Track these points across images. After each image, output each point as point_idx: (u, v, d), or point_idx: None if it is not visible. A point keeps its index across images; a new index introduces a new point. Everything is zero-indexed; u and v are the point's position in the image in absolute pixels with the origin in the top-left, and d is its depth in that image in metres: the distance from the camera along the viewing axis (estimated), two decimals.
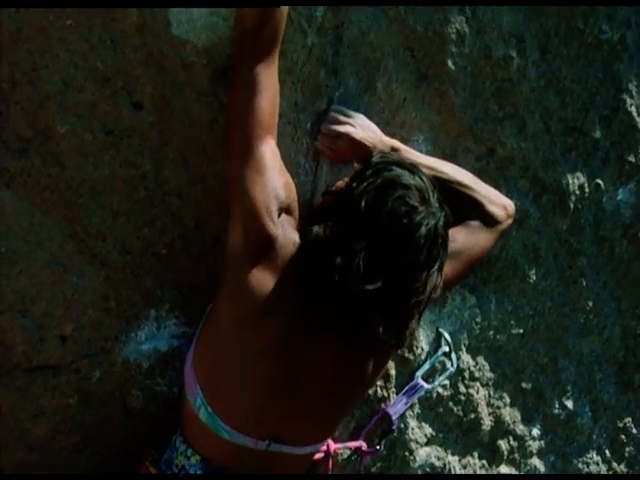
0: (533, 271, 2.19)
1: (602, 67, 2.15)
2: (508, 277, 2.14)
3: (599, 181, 2.25)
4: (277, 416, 1.61)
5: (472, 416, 2.13)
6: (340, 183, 1.66)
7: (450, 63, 1.90)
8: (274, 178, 1.57)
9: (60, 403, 1.66)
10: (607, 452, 2.44)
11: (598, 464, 2.42)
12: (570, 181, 2.19)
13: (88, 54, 1.57)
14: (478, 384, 2.13)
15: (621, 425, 2.43)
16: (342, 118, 1.72)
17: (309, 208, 1.73)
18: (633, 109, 2.22)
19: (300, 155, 1.75)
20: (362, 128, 1.72)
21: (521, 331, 2.20)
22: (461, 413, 2.10)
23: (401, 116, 1.86)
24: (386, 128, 1.81)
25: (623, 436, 2.45)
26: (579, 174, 2.21)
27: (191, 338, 1.70)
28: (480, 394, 2.14)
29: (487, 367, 2.14)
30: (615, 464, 2.46)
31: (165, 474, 1.67)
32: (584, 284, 2.30)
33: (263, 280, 1.54)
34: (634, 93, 2.21)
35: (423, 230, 1.49)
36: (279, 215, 1.57)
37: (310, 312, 1.55)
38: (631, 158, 2.28)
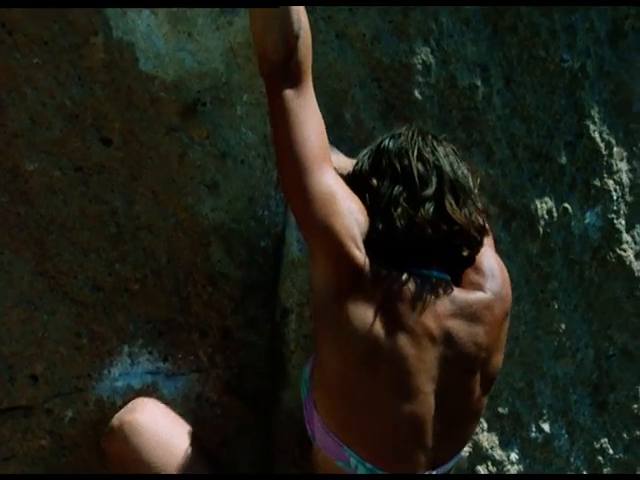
0: None
1: (565, 94, 2.16)
2: None
3: (567, 205, 2.25)
4: (426, 445, 1.53)
5: None
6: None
7: (417, 93, 1.89)
8: (348, 204, 1.49)
9: (32, 445, 1.60)
10: (585, 474, 2.42)
11: None
12: (539, 206, 2.19)
13: (56, 91, 1.55)
14: None
15: (598, 446, 2.41)
16: None
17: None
18: (596, 135, 2.23)
19: (271, 187, 1.73)
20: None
21: None
22: None
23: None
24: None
25: (600, 457, 2.42)
26: (547, 199, 2.21)
27: (166, 373, 1.66)
28: None
29: None
30: None
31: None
32: (556, 307, 2.29)
33: (368, 311, 1.46)
34: (596, 119, 2.22)
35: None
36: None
37: (422, 307, 1.49)
38: (596, 182, 2.28)
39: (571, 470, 2.38)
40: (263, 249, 1.74)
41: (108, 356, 1.65)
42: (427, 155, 1.54)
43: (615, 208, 2.33)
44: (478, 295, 1.58)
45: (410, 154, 1.53)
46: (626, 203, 2.36)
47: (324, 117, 1.76)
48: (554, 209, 2.22)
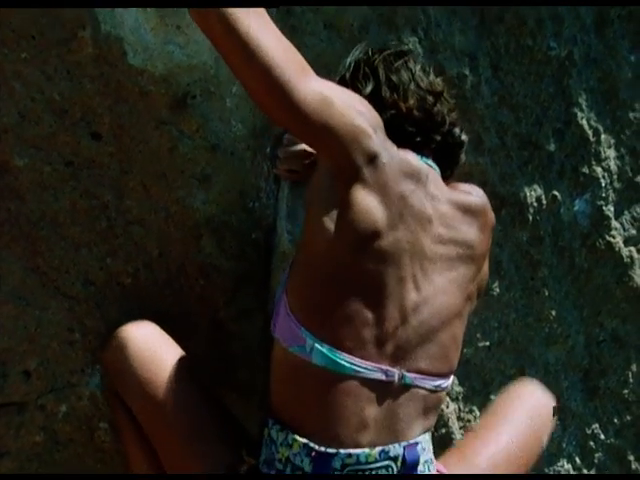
0: (496, 284, 2.17)
1: (552, 82, 2.15)
2: None
3: (556, 193, 2.25)
4: (405, 340, 1.42)
5: (443, 431, 2.09)
6: None
7: None
8: (345, 100, 1.41)
9: (26, 441, 1.58)
10: (577, 459, 2.42)
11: (569, 472, 2.40)
12: (528, 194, 2.18)
13: (44, 86, 1.53)
14: (448, 399, 2.10)
15: (589, 432, 2.42)
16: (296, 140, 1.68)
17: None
18: (584, 122, 2.23)
19: (261, 179, 1.72)
20: None
21: (487, 344, 2.18)
22: (432, 429, 2.07)
23: None
24: None
25: (592, 442, 2.43)
26: (536, 187, 2.20)
27: None
28: (450, 408, 2.11)
29: (456, 381, 2.11)
30: (585, 471, 2.44)
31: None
32: (547, 294, 2.29)
33: (372, 197, 1.40)
34: (584, 107, 2.21)
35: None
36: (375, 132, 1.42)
37: (421, 216, 1.46)
38: (585, 170, 2.28)
39: (563, 456, 2.39)
40: (254, 241, 1.73)
41: (101, 351, 1.64)
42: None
43: (604, 195, 2.33)
44: (469, 197, 1.59)
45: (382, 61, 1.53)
46: (614, 190, 2.36)
47: None
48: (543, 196, 2.21)
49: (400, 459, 1.41)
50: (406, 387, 1.43)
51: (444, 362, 1.49)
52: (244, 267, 1.72)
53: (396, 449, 1.41)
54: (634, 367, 2.45)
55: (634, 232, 2.43)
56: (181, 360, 1.55)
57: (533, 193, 2.19)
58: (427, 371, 1.45)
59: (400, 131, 1.48)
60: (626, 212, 2.41)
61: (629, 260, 2.42)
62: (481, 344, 2.16)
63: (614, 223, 2.38)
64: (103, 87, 1.56)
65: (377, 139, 1.41)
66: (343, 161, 1.39)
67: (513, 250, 2.20)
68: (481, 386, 2.17)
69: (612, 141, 2.32)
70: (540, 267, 2.25)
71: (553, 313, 2.31)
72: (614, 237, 2.38)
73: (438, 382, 1.48)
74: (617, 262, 2.39)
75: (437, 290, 1.46)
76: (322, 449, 1.38)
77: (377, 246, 1.40)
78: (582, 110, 2.22)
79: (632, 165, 2.37)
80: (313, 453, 1.38)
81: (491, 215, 1.65)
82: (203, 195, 1.67)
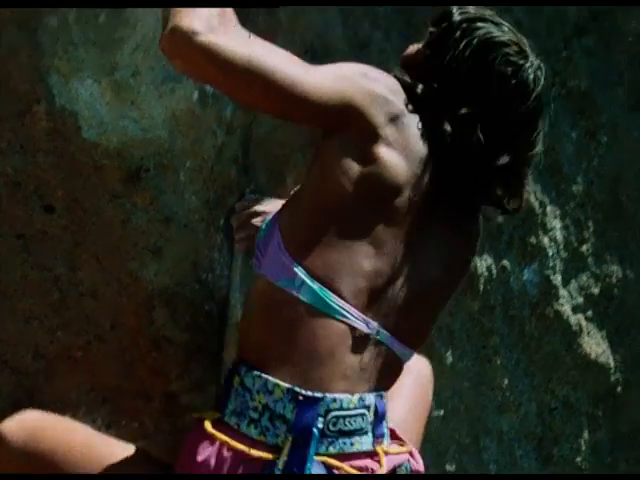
0: (449, 352, 2.17)
1: None
2: None
3: (505, 263, 2.27)
4: (388, 299, 1.39)
5: None
6: (412, 49, 1.50)
7: None
8: (358, 67, 1.40)
9: None
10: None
11: None
12: (478, 264, 2.20)
13: None
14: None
15: None
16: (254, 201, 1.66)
17: None
18: (531, 196, 2.27)
19: (215, 250, 1.70)
20: (272, 203, 1.63)
21: (442, 413, 2.16)
22: None
23: None
24: None
25: None
26: (486, 257, 2.23)
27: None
28: None
29: None
30: None
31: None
32: (498, 362, 2.29)
33: (394, 155, 1.36)
34: (530, 180, 2.25)
35: (538, 87, 1.41)
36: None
37: (434, 191, 1.40)
38: (532, 240, 2.31)
39: None
40: (208, 312, 1.70)
41: None
42: (538, 106, 1.43)
43: (551, 264, 2.37)
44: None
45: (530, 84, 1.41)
46: (561, 259, 2.40)
47: (267, 182, 1.76)
48: (493, 266, 2.24)
49: (372, 408, 1.37)
50: (379, 344, 1.40)
51: (417, 335, 1.48)
52: (197, 339, 1.69)
53: (370, 398, 1.37)
54: (586, 434, 2.45)
55: (581, 300, 2.46)
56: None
57: (483, 263, 2.21)
58: (400, 336, 1.43)
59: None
60: (573, 281, 2.44)
61: (577, 328, 2.44)
62: (435, 413, 2.14)
63: (562, 292, 2.41)
64: (57, 161, 1.55)
65: (397, 102, 1.39)
66: (364, 124, 1.35)
67: (465, 319, 2.21)
68: (435, 456, 2.14)
69: (557, 212, 2.37)
70: (491, 336, 2.26)
71: (505, 381, 2.31)
72: (562, 305, 2.40)
73: (405, 351, 1.45)
74: (566, 330, 2.41)
75: (431, 260, 1.44)
76: (309, 393, 1.32)
77: (390, 202, 1.38)
78: (528, 184, 2.27)
79: (577, 235, 2.42)
80: (300, 398, 1.32)
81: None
82: (156, 267, 1.64)
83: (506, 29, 1.43)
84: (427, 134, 1.40)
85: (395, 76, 1.44)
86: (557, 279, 2.39)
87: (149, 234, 1.63)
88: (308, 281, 1.35)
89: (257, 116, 1.72)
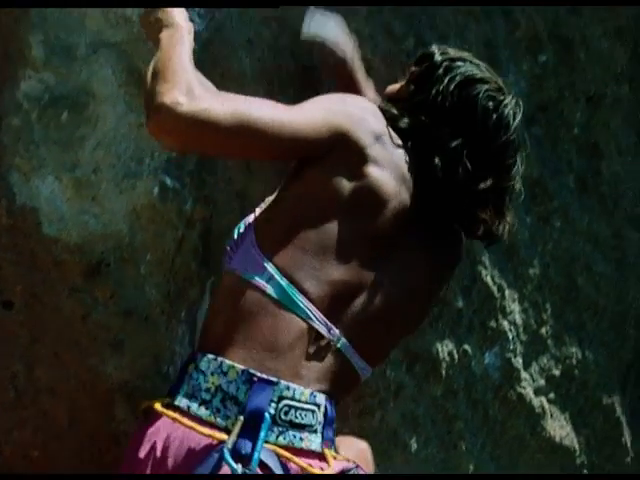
0: (414, 439, 2.15)
1: None
2: (390, 448, 2.09)
3: (466, 347, 2.28)
4: (353, 310, 1.42)
5: None
6: (395, 86, 1.58)
7: None
8: (337, 98, 1.50)
9: None
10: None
11: None
12: (440, 349, 2.21)
13: None
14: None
15: None
16: None
17: None
18: (489, 279, 2.30)
19: (176, 343, 1.69)
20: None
21: None
22: None
23: None
24: None
25: None
26: (447, 342, 2.23)
27: None
28: None
29: None
30: None
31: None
32: (464, 448, 2.27)
33: (382, 172, 1.43)
34: (487, 265, 2.29)
35: (515, 121, 1.48)
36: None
37: (414, 211, 1.46)
38: (492, 324, 2.33)
39: None
40: None
41: None
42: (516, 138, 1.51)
43: (512, 348, 2.38)
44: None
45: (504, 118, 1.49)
46: (521, 342, 2.42)
47: None
48: (455, 351, 2.24)
49: (322, 409, 1.38)
50: (338, 352, 1.42)
51: (376, 352, 1.51)
52: None
53: (321, 398, 1.39)
54: None
55: (543, 383, 2.46)
56: None
57: (445, 348, 2.21)
58: (360, 350, 1.45)
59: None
60: (534, 363, 2.45)
61: (541, 410, 2.44)
62: None
63: (524, 374, 2.42)
64: (16, 257, 1.54)
65: (379, 122, 1.45)
66: (354, 145, 1.41)
67: (429, 405, 2.20)
68: None
69: (516, 296, 2.40)
70: (456, 421, 2.25)
71: (471, 467, 2.28)
72: (524, 388, 2.41)
73: (363, 365, 1.48)
74: (529, 413, 2.41)
75: (401, 284, 1.48)
76: (264, 376, 1.33)
77: (371, 218, 1.43)
78: (486, 268, 2.30)
79: (536, 318, 2.44)
80: (254, 379, 1.33)
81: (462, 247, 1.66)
82: (116, 361, 1.62)
83: (484, 68, 1.54)
84: (412, 159, 1.47)
85: (380, 108, 1.51)
86: (518, 362, 2.40)
87: (109, 328, 1.62)
88: (277, 277, 1.38)
89: (217, 208, 1.75)
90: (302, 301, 1.38)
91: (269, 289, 1.38)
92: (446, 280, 1.65)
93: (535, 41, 2.32)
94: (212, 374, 1.35)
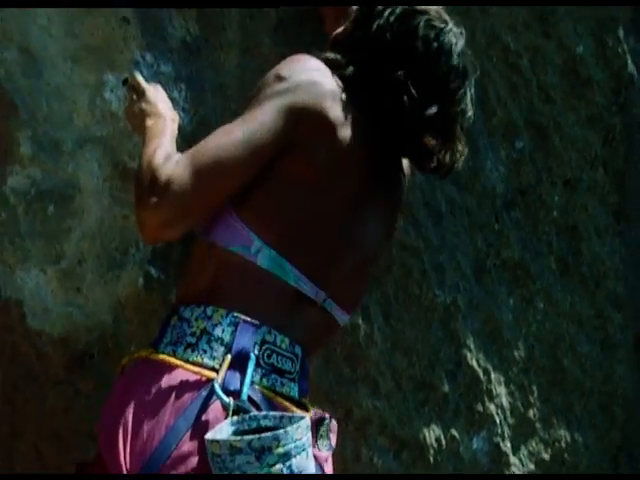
0: None
1: (441, 327, 2.24)
2: None
3: (454, 432, 2.25)
4: (337, 270, 1.47)
5: None
6: (338, 30, 1.56)
7: None
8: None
9: None
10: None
11: None
12: (427, 434, 2.18)
13: None
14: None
15: None
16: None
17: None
18: (474, 362, 2.30)
19: None
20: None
21: None
22: None
23: None
24: None
25: None
26: (434, 427, 2.21)
27: None
28: None
29: None
30: None
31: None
32: None
33: (347, 130, 1.43)
34: (472, 348, 2.29)
35: (458, 47, 1.48)
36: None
37: (373, 158, 1.48)
38: (479, 408, 2.31)
39: None
40: None
41: None
42: (461, 65, 1.49)
43: (500, 432, 2.35)
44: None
45: (448, 49, 1.48)
46: (509, 426, 2.39)
47: None
48: (442, 436, 2.21)
49: (299, 360, 1.42)
50: (323, 311, 1.47)
51: (354, 301, 1.58)
52: None
53: (299, 349, 1.42)
54: None
55: (532, 467, 2.43)
56: None
57: (432, 434, 2.19)
58: (342, 304, 1.51)
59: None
60: (523, 447, 2.42)
61: None
62: None
63: (512, 459, 2.39)
64: None
65: (326, 80, 1.44)
66: (314, 115, 1.41)
67: None
68: None
69: (502, 379, 2.39)
70: None
71: None
72: (514, 473, 2.37)
73: (343, 317, 1.54)
74: None
75: (371, 234, 1.52)
76: (248, 319, 1.36)
77: (343, 179, 1.44)
78: (471, 351, 2.30)
79: (522, 401, 2.43)
80: (239, 321, 1.36)
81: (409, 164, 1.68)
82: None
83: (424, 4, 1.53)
84: (364, 102, 1.47)
85: (323, 57, 1.49)
86: (507, 446, 2.37)
87: (91, 421, 1.59)
88: (265, 249, 1.40)
89: None
90: (291, 270, 1.41)
91: (259, 260, 1.40)
92: (397, 219, 1.70)
93: (511, 128, 2.38)
94: (196, 319, 1.37)
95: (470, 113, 1.53)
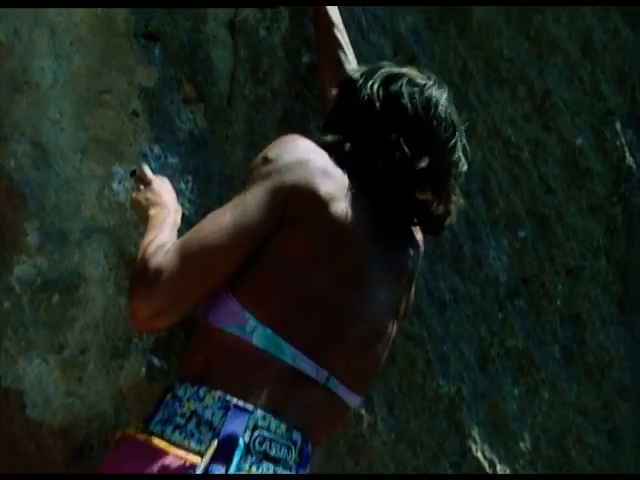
0: None
1: (445, 417, 2.20)
2: None
3: None
4: (339, 347, 1.41)
5: None
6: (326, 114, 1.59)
7: None
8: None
9: None
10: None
11: None
12: None
13: None
14: None
15: None
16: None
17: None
18: (479, 454, 2.25)
19: None
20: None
21: None
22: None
23: None
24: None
25: None
26: None
27: None
28: None
29: None
30: None
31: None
32: None
33: (340, 204, 1.41)
34: (477, 439, 2.25)
35: (443, 99, 1.49)
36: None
37: (373, 226, 1.46)
38: None
39: None
40: None
41: None
42: (442, 108, 1.50)
43: None
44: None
45: (435, 107, 1.50)
46: None
47: None
48: None
49: (298, 447, 1.37)
50: (327, 391, 1.42)
51: (364, 380, 1.51)
52: None
53: (297, 435, 1.37)
54: None
55: None
56: None
57: None
58: (349, 384, 1.45)
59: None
60: None
61: None
62: None
63: None
64: None
65: (317, 157, 1.44)
66: (307, 193, 1.40)
67: None
68: None
69: (508, 471, 2.33)
70: None
71: None
72: None
73: (352, 398, 1.48)
74: None
75: (377, 308, 1.47)
76: (240, 403, 1.32)
77: (340, 262, 1.41)
78: (476, 442, 2.26)
79: None
80: (230, 405, 1.31)
81: (420, 236, 1.64)
82: None
83: (399, 65, 1.57)
84: (360, 172, 1.46)
85: (322, 142, 1.50)
86: None
87: None
88: (260, 327, 1.37)
89: None
90: (288, 348, 1.38)
91: (254, 340, 1.37)
92: (412, 281, 1.62)
93: (514, 218, 2.40)
94: (188, 400, 1.35)
95: (464, 163, 1.54)
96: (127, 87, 1.65)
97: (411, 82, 1.50)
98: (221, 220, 1.39)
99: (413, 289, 1.63)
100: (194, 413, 1.33)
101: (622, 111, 2.67)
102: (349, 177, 1.45)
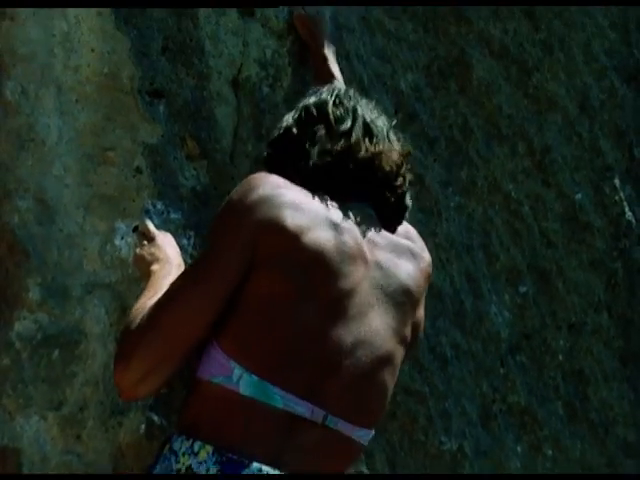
0: None
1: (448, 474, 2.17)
2: None
3: None
4: (334, 382, 1.36)
5: None
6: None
7: None
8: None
9: None
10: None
11: None
12: None
13: None
14: None
15: None
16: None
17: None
18: None
19: None
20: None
21: None
22: None
23: None
24: None
25: None
26: None
27: None
28: None
29: None
30: None
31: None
32: None
33: (313, 233, 1.38)
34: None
35: (340, 94, 1.56)
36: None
37: (365, 253, 1.43)
38: None
39: None
40: None
41: None
42: (345, 100, 1.55)
43: None
44: (406, 241, 1.53)
45: (329, 100, 1.55)
46: None
47: None
48: None
49: None
50: (328, 429, 1.37)
51: (368, 413, 1.44)
52: None
53: None
54: None
55: None
56: None
57: None
58: (352, 419, 1.39)
59: (331, 182, 1.48)
60: None
61: None
62: None
63: None
64: None
65: (286, 190, 1.42)
66: (273, 230, 1.38)
67: None
68: None
69: None
70: None
71: None
72: None
73: (360, 432, 1.42)
74: None
75: (373, 334, 1.41)
76: (235, 457, 1.29)
77: (323, 293, 1.38)
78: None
79: None
80: (223, 459, 1.29)
81: (427, 257, 1.57)
82: None
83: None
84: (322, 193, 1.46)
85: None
86: None
87: None
88: (246, 375, 1.34)
89: None
90: (277, 392, 1.34)
91: (241, 389, 1.34)
92: (418, 301, 1.54)
93: (515, 273, 2.40)
94: (183, 454, 1.33)
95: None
96: (131, 144, 1.67)
97: (321, 94, 1.58)
98: (191, 274, 1.40)
99: (421, 309, 1.55)
100: (189, 469, 1.32)
101: (620, 167, 2.69)
102: (325, 203, 1.45)
